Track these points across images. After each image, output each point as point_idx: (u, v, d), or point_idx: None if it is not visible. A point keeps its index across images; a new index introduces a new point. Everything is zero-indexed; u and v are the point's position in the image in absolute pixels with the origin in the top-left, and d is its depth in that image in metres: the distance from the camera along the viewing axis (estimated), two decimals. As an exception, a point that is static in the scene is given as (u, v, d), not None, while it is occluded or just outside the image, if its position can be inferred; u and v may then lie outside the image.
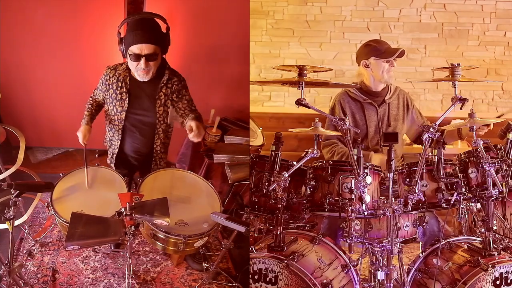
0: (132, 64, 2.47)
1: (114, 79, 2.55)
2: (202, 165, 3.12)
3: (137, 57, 2.40)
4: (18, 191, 2.19)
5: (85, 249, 2.85)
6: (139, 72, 2.46)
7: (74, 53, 3.54)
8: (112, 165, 2.80)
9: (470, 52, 3.95)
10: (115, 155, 2.78)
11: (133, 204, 2.04)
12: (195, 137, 2.48)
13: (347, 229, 2.00)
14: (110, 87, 2.57)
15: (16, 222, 2.71)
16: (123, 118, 2.61)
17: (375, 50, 2.61)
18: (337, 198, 2.10)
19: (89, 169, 2.54)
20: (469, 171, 2.11)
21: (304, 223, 2.35)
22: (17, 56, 3.49)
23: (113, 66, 2.61)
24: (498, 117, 2.66)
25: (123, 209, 2.02)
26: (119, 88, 2.55)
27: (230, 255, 2.95)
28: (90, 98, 2.73)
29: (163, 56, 2.55)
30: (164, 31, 2.49)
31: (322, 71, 2.15)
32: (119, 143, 2.72)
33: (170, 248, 2.29)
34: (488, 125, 2.37)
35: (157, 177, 2.60)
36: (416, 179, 2.02)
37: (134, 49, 2.38)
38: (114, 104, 2.58)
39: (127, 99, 2.56)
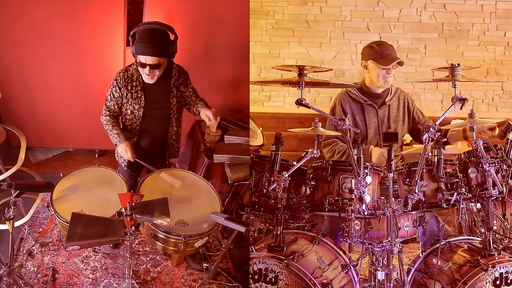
0: (140, 68, 2.64)
1: (128, 80, 2.67)
2: (202, 165, 3.11)
3: (143, 64, 2.57)
4: (18, 191, 2.19)
5: (85, 249, 2.85)
6: (144, 76, 2.64)
7: (74, 53, 3.54)
8: (125, 163, 2.82)
9: (470, 52, 3.95)
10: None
11: (133, 204, 2.04)
12: (213, 125, 2.83)
13: (347, 229, 2.00)
14: (125, 88, 2.67)
15: (18, 223, 2.72)
16: (141, 114, 2.72)
17: (375, 53, 2.61)
18: (337, 198, 2.09)
19: (89, 169, 2.55)
20: (469, 171, 2.11)
21: (304, 223, 2.34)
22: (17, 56, 3.50)
23: (124, 68, 2.72)
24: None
25: (123, 209, 2.03)
26: (134, 88, 2.68)
27: (230, 255, 2.95)
28: (105, 117, 2.70)
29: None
30: (172, 39, 2.61)
31: (322, 71, 2.15)
32: (136, 139, 2.80)
33: (170, 248, 2.29)
34: (493, 129, 2.38)
35: (157, 177, 2.61)
36: (416, 179, 2.01)
37: (141, 58, 2.55)
38: (130, 103, 2.70)
39: (142, 96, 2.69)
